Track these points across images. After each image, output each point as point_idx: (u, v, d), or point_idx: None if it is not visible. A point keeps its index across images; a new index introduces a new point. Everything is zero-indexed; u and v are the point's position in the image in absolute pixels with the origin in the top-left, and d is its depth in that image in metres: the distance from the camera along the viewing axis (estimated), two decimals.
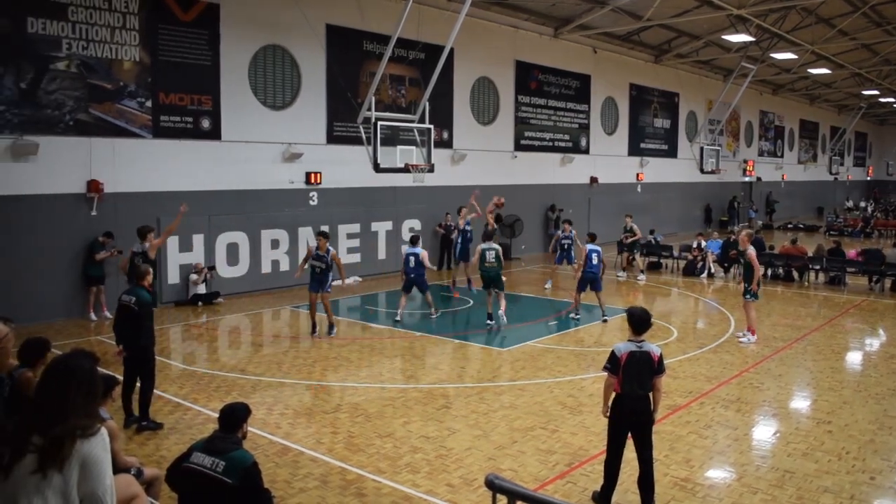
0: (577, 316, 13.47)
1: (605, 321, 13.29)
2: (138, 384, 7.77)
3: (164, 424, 7.68)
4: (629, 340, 5.89)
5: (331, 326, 12.06)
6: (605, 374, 5.93)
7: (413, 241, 13.74)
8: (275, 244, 16.24)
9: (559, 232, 17.32)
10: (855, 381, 9.83)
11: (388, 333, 12.44)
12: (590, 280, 13.44)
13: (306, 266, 12.01)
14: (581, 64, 24.90)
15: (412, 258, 13.16)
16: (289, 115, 16.42)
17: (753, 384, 9.51)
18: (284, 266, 16.22)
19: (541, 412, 8.23)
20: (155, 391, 8.14)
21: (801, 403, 8.99)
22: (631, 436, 5.87)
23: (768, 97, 38.43)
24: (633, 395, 5.76)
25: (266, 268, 16.09)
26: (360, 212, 18.05)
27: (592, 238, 14.13)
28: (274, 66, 16.14)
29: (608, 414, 5.96)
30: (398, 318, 13.09)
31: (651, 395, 5.84)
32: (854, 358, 11.51)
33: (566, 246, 16.63)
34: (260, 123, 15.81)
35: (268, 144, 15.96)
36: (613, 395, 5.89)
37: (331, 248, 11.90)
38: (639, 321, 5.89)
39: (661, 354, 5.87)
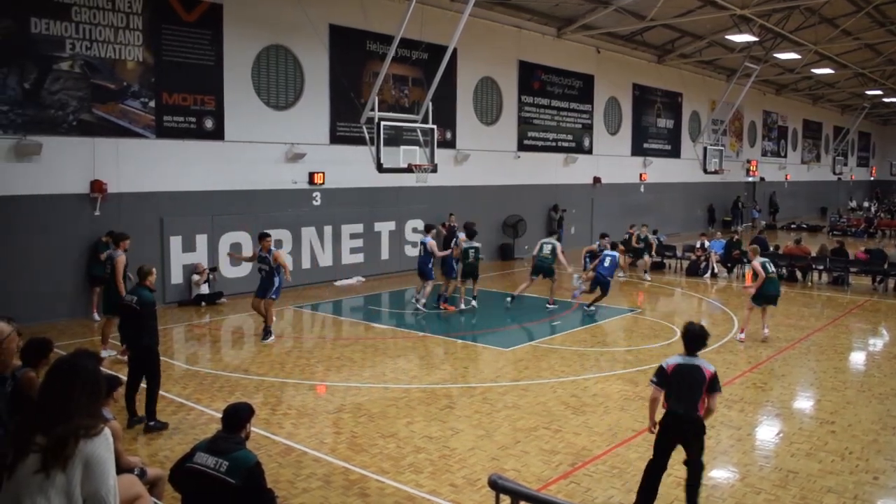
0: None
1: (592, 311, 13.90)
2: (142, 384, 7.77)
3: (169, 424, 7.68)
4: (679, 355, 5.63)
5: (266, 331, 11.57)
6: (652, 387, 5.60)
7: (426, 229, 14.38)
8: (278, 244, 16.06)
9: (596, 245, 16.70)
10: (858, 381, 9.81)
11: (391, 333, 12.45)
12: (600, 283, 13.77)
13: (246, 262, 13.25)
14: (584, 64, 24.88)
15: (421, 246, 13.96)
16: (292, 115, 16.42)
17: (756, 384, 9.50)
18: (287, 266, 16.16)
19: (544, 412, 8.23)
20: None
21: (804, 403, 8.97)
22: (682, 446, 5.59)
23: (771, 97, 38.35)
24: (677, 414, 5.40)
25: None
26: (364, 212, 18.05)
27: (614, 245, 15.04)
28: (277, 66, 16.15)
29: (654, 429, 5.66)
30: (421, 305, 14.00)
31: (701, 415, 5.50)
32: (857, 358, 11.49)
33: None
34: (263, 123, 15.82)
35: (271, 144, 15.97)
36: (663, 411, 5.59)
37: (273, 248, 11.88)
38: (693, 337, 5.55)
39: (715, 372, 5.48)
